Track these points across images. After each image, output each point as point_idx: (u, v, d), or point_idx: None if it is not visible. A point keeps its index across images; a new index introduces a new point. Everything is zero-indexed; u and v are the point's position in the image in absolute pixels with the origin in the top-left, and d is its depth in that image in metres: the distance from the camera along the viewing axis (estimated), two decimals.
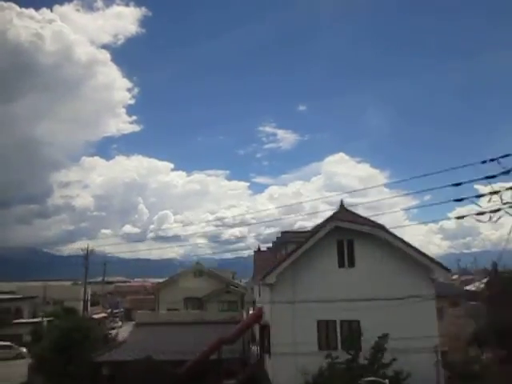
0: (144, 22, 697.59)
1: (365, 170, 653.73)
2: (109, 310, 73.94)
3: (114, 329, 65.86)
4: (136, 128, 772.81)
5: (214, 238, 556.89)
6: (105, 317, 69.07)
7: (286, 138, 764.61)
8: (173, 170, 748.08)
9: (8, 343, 40.94)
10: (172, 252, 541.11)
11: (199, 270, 38.78)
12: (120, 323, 69.08)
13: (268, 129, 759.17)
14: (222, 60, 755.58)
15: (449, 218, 35.46)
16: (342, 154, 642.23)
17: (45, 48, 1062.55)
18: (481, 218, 10.32)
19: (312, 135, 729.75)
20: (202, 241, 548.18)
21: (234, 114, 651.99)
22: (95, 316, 63.14)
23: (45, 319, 48.57)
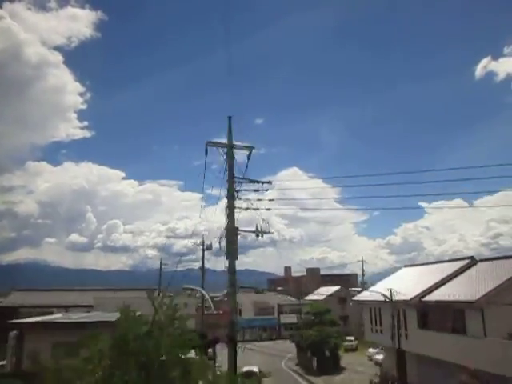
0: (99, 26, 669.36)
1: (317, 184, 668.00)
2: None
3: None
4: (87, 134, 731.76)
5: (164, 250, 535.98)
6: None
7: (242, 150, 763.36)
8: (124, 178, 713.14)
9: None
10: (120, 263, 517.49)
11: None
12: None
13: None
14: (180, 69, 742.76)
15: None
16: (295, 169, 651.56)
17: None
18: None
19: (267, 149, 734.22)
20: (152, 252, 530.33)
21: (190, 124, 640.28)
22: None
23: None
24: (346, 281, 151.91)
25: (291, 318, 65.29)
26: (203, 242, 43.17)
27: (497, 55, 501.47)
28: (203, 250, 42.02)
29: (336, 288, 67.44)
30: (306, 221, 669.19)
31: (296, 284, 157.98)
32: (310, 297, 76.71)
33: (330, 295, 64.85)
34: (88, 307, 37.95)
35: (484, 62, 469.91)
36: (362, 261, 67.16)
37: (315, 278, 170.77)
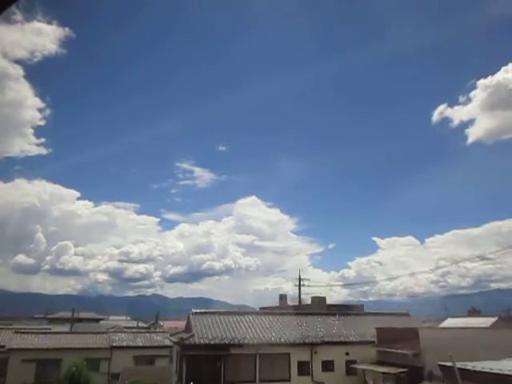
0: (66, 43, 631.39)
1: (275, 214, 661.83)
2: None
3: None
4: (43, 151, 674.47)
5: (116, 274, 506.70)
6: None
7: (203, 176, 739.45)
8: (79, 198, 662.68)
9: None
10: (68, 287, 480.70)
11: None
12: None
13: (185, 165, 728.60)
14: (142, 91, 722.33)
15: None
16: (254, 198, 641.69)
17: None
18: None
19: (228, 176, 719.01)
20: (103, 276, 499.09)
21: (152, 147, 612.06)
22: None
23: None
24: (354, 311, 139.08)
25: None
26: None
27: (452, 103, 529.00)
28: None
29: (493, 320, 53.29)
30: (262, 250, 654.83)
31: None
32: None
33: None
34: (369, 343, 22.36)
35: (441, 108, 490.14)
36: None
37: (321, 307, 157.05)
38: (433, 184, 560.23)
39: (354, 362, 23.90)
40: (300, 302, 44.32)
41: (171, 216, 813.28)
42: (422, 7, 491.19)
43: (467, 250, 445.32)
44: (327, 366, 23.89)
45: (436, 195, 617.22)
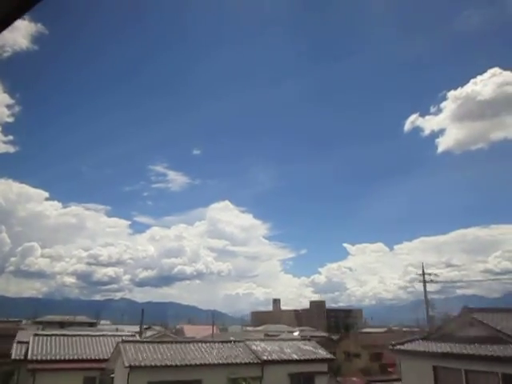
0: (38, 39, 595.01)
1: (248, 219, 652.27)
2: None
3: None
4: (10, 149, 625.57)
5: (84, 277, 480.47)
6: None
7: (177, 179, 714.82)
8: (47, 199, 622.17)
9: None
10: (33, 289, 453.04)
11: None
12: None
13: (159, 168, 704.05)
14: (116, 92, 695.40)
15: None
16: (227, 202, 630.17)
17: None
18: None
19: (202, 180, 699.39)
20: (70, 279, 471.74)
21: (125, 149, 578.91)
22: None
23: None
24: (353, 316, 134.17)
25: None
26: None
27: (424, 113, 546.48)
28: None
29: None
30: (234, 255, 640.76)
31: (298, 319, 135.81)
32: None
33: None
34: None
35: (413, 117, 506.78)
36: None
37: (320, 311, 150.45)
38: (403, 192, 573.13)
39: None
40: (427, 302, 36.47)
41: (143, 219, 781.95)
42: (397, 23, 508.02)
43: (434, 257, 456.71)
44: None
45: (405, 203, 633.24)
